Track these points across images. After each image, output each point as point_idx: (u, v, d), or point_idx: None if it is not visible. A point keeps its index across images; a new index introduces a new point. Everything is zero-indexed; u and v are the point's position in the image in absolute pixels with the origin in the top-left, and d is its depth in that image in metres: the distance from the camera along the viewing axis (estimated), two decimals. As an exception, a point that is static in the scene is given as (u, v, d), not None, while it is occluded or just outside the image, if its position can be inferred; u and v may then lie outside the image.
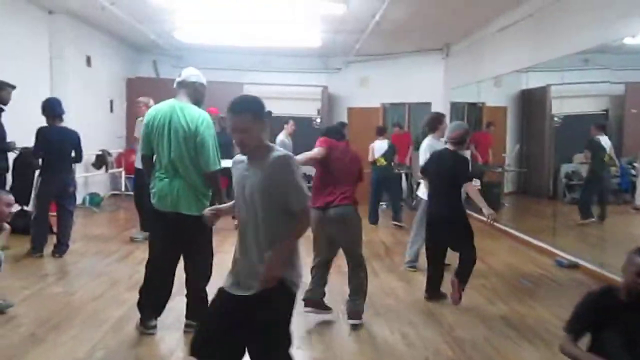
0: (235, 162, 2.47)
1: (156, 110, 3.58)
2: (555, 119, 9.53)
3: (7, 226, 4.01)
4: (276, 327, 2.26)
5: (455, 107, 11.21)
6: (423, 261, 5.02)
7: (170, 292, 3.65)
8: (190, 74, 3.64)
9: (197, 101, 3.60)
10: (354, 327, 3.88)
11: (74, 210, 6.01)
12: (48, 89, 7.94)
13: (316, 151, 4.01)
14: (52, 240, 5.87)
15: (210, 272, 3.66)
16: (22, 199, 6.41)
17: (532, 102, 11.22)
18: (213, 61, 11.57)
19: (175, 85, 3.63)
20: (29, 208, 6.42)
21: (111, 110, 10.20)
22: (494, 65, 8.76)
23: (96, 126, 8.85)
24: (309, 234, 3.14)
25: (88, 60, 9.33)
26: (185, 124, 3.42)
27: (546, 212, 8.49)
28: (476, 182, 9.49)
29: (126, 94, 10.73)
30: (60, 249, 5.71)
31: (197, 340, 2.36)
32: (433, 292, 4.61)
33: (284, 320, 2.29)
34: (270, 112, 11.33)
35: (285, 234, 2.28)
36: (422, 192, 5.41)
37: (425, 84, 11.18)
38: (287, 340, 2.29)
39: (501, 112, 11.55)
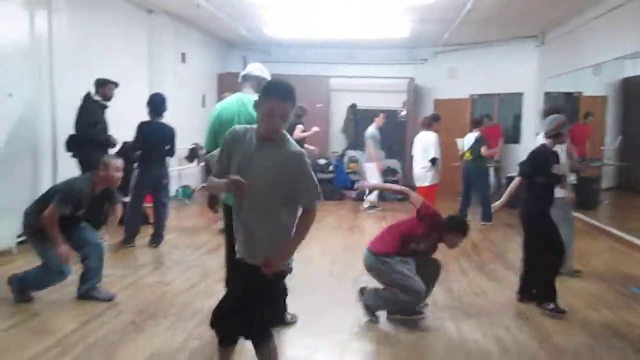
0: (236, 134, 2.44)
1: (223, 104, 3.57)
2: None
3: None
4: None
5: (550, 98, 10.62)
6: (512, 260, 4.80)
7: None
8: (255, 68, 3.66)
9: None
10: None
11: (168, 202, 6.27)
12: (146, 86, 8.32)
13: None
14: (147, 231, 6.17)
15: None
16: (121, 191, 6.78)
17: (635, 91, 10.44)
18: (299, 55, 11.72)
19: (239, 79, 3.63)
20: (127, 200, 6.78)
21: (203, 105, 10.56)
22: (594, 52, 8.17)
23: (189, 121, 9.18)
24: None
25: (183, 57, 9.71)
26: (253, 116, 3.40)
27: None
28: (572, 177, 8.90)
29: (217, 89, 11.06)
30: (156, 239, 5.99)
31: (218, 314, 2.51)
32: (525, 293, 4.39)
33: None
34: (354, 105, 11.36)
35: (282, 225, 2.40)
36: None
37: (517, 73, 10.68)
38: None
39: (600, 102, 10.82)
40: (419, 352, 3.43)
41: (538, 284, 4.28)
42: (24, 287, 4.02)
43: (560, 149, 4.54)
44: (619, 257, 6.04)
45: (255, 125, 2.44)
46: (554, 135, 4.31)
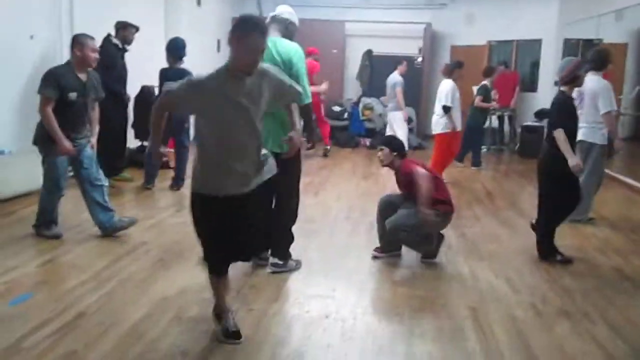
0: (202, 87, 2.48)
1: None
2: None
3: None
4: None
5: (568, 45, 10.44)
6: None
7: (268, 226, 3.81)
8: (284, 10, 3.64)
9: (288, 38, 3.58)
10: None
11: (189, 145, 6.39)
12: (162, 30, 8.29)
13: None
14: (168, 174, 6.32)
15: (297, 213, 3.77)
16: (142, 135, 6.92)
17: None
18: (314, -1, 11.50)
19: (267, 20, 3.60)
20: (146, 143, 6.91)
21: (218, 50, 10.51)
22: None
23: (204, 65, 9.11)
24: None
25: (198, 1, 9.61)
26: (279, 57, 3.41)
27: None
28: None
29: (231, 33, 10.97)
30: (178, 182, 6.14)
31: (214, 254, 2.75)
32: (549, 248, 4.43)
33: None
34: (370, 51, 11.23)
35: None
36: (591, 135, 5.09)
37: (536, 19, 10.46)
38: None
39: (620, 50, 10.60)
40: (434, 291, 3.59)
41: (539, 235, 4.28)
42: (45, 221, 4.21)
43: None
44: (631, 206, 6.14)
45: (211, 71, 2.51)
46: (571, 79, 4.13)
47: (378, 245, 4.17)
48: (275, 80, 2.64)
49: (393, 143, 4.11)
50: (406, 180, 3.95)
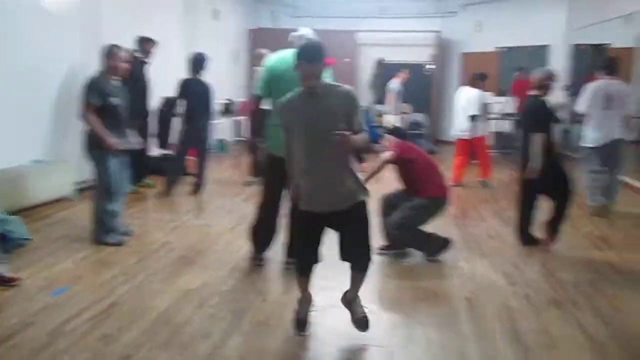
0: (286, 108, 2.84)
1: (279, 56, 3.86)
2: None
3: None
4: (366, 220, 2.95)
5: (577, 50, 10.64)
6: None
7: (277, 230, 4.08)
8: (307, 32, 3.96)
9: None
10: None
11: (208, 154, 6.76)
12: (181, 45, 8.71)
13: None
14: (187, 181, 6.69)
15: None
16: (165, 144, 7.32)
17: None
18: (327, 10, 11.90)
19: (290, 38, 3.92)
20: (169, 151, 7.29)
21: (236, 61, 10.92)
22: (626, 1, 8.17)
23: (223, 76, 9.56)
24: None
25: (215, 14, 10.03)
26: None
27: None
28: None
29: (248, 45, 11.38)
30: (198, 188, 6.51)
31: (304, 258, 3.00)
32: (525, 237, 4.73)
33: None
34: (382, 60, 11.54)
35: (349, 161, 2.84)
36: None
37: (545, 25, 10.68)
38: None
39: (628, 54, 10.78)
40: (434, 284, 3.88)
41: (549, 226, 4.61)
42: (105, 228, 4.49)
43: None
44: (633, 205, 6.32)
45: (295, 91, 2.85)
46: (539, 87, 4.56)
47: (383, 242, 4.46)
48: (353, 104, 2.80)
49: (396, 131, 4.50)
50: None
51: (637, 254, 4.54)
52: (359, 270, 3.01)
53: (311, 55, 2.69)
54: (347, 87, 2.84)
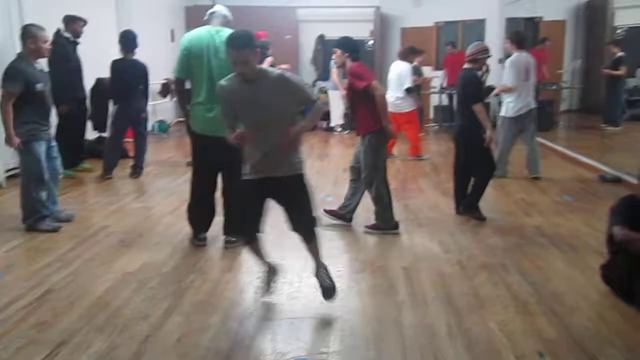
0: (226, 90, 2.92)
1: (192, 35, 3.86)
2: (618, 31, 9.21)
3: None
4: (306, 191, 3.07)
5: (511, 23, 10.94)
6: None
7: (215, 209, 4.11)
8: (222, 9, 4.00)
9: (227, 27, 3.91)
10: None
11: (147, 135, 6.63)
12: (114, 22, 8.43)
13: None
14: (126, 164, 6.56)
15: None
16: (100, 126, 7.12)
17: (593, 14, 10.79)
18: (267, -14, 11.70)
19: (206, 17, 3.95)
20: (106, 134, 7.11)
21: (172, 40, 10.65)
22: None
23: (159, 56, 9.33)
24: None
25: (149, -9, 9.73)
26: (221, 43, 3.69)
27: (600, 129, 8.42)
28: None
29: (185, 23, 11.11)
30: (137, 171, 6.40)
31: (247, 226, 3.07)
32: (461, 206, 4.91)
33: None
34: (323, 36, 11.53)
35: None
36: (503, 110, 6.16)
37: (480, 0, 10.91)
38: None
39: (559, 26, 11.18)
40: (374, 255, 4.01)
41: (470, 195, 4.81)
42: (39, 216, 4.36)
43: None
44: (562, 172, 6.65)
45: (231, 75, 2.93)
46: (471, 60, 4.73)
47: (328, 216, 4.55)
48: (290, 88, 2.90)
49: (346, 44, 4.32)
50: (353, 82, 4.22)
51: (561, 218, 4.79)
52: (309, 239, 3.13)
53: (238, 42, 2.76)
54: (277, 71, 2.97)
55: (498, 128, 6.19)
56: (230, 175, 3.94)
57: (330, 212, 4.57)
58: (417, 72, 8.74)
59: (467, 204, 4.82)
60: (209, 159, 3.87)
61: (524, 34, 6.44)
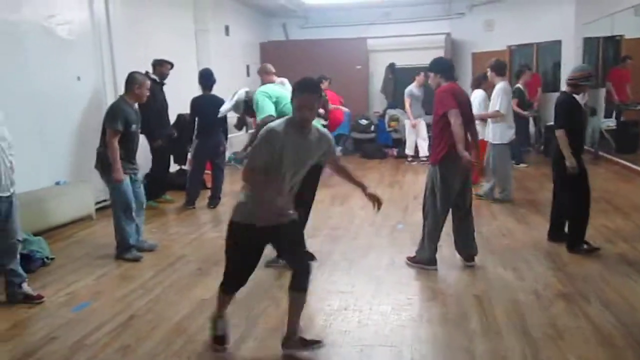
0: (279, 133, 2.76)
1: (273, 87, 4.59)
2: None
3: None
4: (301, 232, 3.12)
5: (589, 43, 10.56)
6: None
7: None
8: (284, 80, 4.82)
9: None
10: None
11: (224, 167, 6.93)
12: (195, 61, 8.93)
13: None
14: (205, 195, 6.86)
15: (307, 219, 4.21)
16: (180, 160, 7.51)
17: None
18: (336, 19, 12.05)
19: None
20: (186, 167, 7.49)
21: (247, 75, 11.11)
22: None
23: (235, 88, 9.73)
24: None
25: (227, 30, 10.24)
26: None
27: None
28: (611, 122, 9.05)
29: (260, 58, 11.56)
30: (214, 201, 6.66)
31: (237, 280, 3.01)
32: (554, 234, 4.72)
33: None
34: (393, 64, 11.62)
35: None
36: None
37: (554, 21, 10.64)
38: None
39: (641, 44, 10.65)
40: (445, 282, 3.95)
41: (569, 230, 4.55)
42: (125, 246, 4.66)
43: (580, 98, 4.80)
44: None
45: (282, 119, 2.89)
46: (573, 84, 4.44)
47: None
48: (329, 147, 3.01)
49: (436, 65, 4.24)
50: (435, 106, 4.09)
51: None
52: (305, 281, 2.95)
53: (312, 87, 2.82)
54: (323, 129, 3.09)
55: (493, 155, 6.28)
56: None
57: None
58: (520, 94, 8.58)
59: (570, 244, 4.48)
60: None
61: (504, 63, 6.68)
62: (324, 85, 8.56)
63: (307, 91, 2.77)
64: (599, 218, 5.34)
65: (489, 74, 6.41)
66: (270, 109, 4.43)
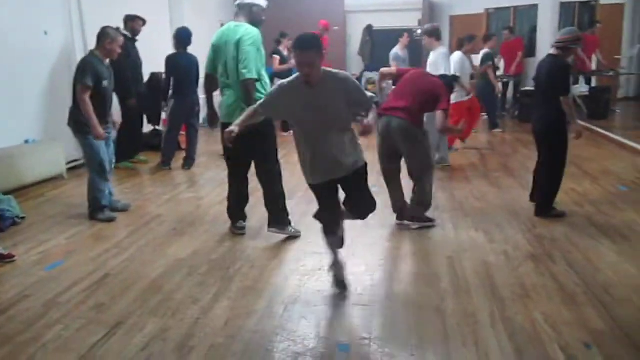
0: (285, 90, 2.92)
1: (220, 30, 4.03)
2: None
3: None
4: (366, 180, 3.16)
5: (565, 7, 10.59)
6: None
7: (247, 197, 4.28)
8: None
9: (253, 22, 3.97)
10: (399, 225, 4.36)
11: (199, 128, 6.84)
12: (167, 18, 8.68)
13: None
14: (180, 155, 6.79)
15: (280, 175, 4.15)
16: (154, 120, 7.39)
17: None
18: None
19: (235, 6, 4.02)
20: (160, 127, 7.38)
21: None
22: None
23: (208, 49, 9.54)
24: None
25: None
26: (230, 40, 3.86)
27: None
28: (583, 89, 9.17)
29: (235, 15, 11.28)
30: (189, 162, 6.61)
31: (330, 221, 3.17)
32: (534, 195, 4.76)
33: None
34: (370, 26, 11.50)
35: (351, 136, 3.05)
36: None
37: (532, -16, 10.62)
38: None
39: (618, 10, 10.74)
40: (417, 244, 4.01)
41: (540, 196, 4.57)
42: (98, 206, 4.60)
43: None
44: (618, 162, 6.42)
45: (293, 76, 2.96)
46: (562, 47, 4.30)
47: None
48: (349, 90, 2.93)
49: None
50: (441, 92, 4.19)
51: (614, 209, 4.66)
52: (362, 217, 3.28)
53: (304, 44, 2.77)
54: (343, 73, 2.98)
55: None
56: (262, 160, 4.08)
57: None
58: (488, 59, 8.55)
59: (539, 210, 4.49)
60: (240, 148, 3.74)
61: (439, 27, 6.40)
62: (285, 43, 8.46)
63: (299, 48, 2.78)
64: (568, 182, 5.42)
65: (425, 40, 6.12)
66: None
